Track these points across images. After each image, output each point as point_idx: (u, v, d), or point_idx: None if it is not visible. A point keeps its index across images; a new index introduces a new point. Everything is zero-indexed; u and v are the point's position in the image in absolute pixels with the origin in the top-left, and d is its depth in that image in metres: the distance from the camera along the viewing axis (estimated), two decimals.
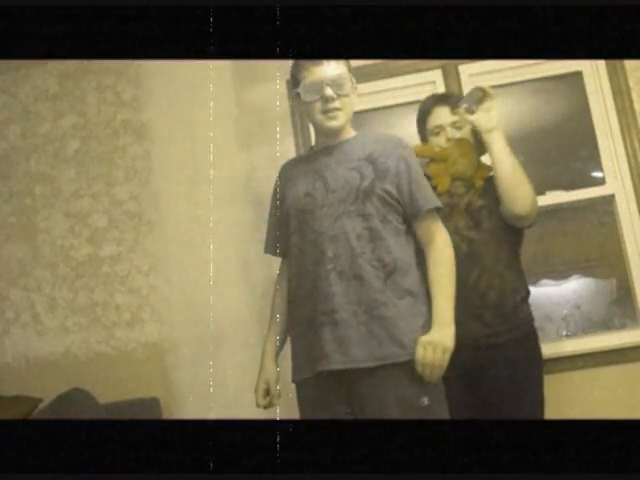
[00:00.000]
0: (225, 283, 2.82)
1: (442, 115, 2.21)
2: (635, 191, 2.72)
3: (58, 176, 3.00)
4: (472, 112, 2.11)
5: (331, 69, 1.88)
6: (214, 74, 2.93)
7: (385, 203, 1.87)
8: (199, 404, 2.75)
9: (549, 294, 6.19)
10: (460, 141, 2.17)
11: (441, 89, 2.84)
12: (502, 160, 2.07)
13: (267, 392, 1.97)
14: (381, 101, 2.93)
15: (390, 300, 1.81)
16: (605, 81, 2.81)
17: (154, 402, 2.70)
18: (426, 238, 1.91)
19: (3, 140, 3.06)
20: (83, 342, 2.88)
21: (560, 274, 6.08)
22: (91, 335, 2.88)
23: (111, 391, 2.70)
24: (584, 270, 6.05)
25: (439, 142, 2.19)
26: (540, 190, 3.11)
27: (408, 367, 1.78)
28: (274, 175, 2.11)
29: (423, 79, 2.90)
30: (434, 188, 2.03)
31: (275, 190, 2.08)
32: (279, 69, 2.64)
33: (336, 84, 1.88)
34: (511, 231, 2.14)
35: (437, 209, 1.92)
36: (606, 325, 5.82)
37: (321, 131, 1.97)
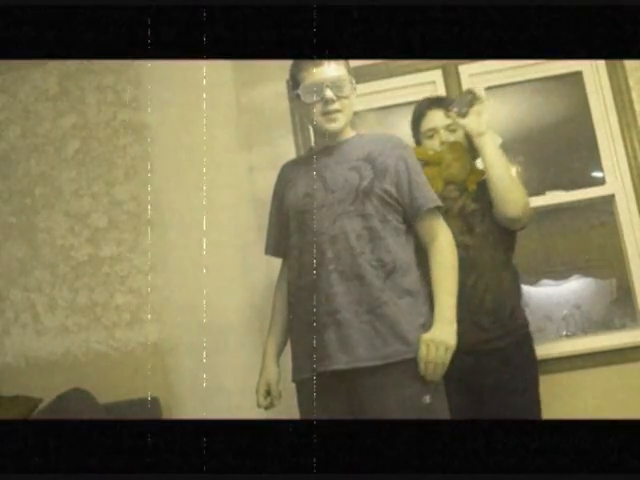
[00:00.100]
0: (225, 283, 2.82)
1: (436, 118, 2.21)
2: (635, 191, 2.72)
3: (58, 176, 3.00)
4: (463, 115, 2.11)
5: (331, 70, 1.88)
6: (214, 74, 2.93)
7: (384, 203, 1.87)
8: (199, 404, 2.74)
9: (549, 294, 6.19)
10: (454, 144, 2.17)
11: (441, 89, 2.84)
12: (494, 163, 2.07)
13: (268, 393, 1.97)
14: (381, 101, 2.93)
15: (391, 299, 1.81)
16: (605, 81, 2.81)
17: (154, 402, 2.70)
18: (428, 237, 1.92)
19: (3, 140, 3.06)
20: (83, 342, 2.88)
21: (560, 274, 6.09)
22: (91, 335, 2.88)
23: (111, 391, 2.70)
24: (584, 270, 6.05)
25: (433, 145, 2.19)
26: (540, 190, 3.12)
27: (410, 365, 1.78)
28: (274, 175, 2.11)
29: (423, 79, 2.89)
30: None
31: (275, 191, 2.08)
32: (279, 69, 2.64)
33: (336, 86, 1.88)
34: (504, 234, 2.15)
35: (438, 208, 1.93)
36: (606, 325, 5.83)
37: (321, 133, 1.97)
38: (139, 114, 2.99)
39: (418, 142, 2.26)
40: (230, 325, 2.80)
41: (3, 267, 2.97)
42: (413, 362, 1.78)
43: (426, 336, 1.79)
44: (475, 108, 2.11)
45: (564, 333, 5.84)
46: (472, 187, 2.14)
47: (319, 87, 1.88)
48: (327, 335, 1.81)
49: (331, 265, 1.83)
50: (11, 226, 2.99)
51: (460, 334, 1.83)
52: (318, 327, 1.83)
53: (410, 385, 1.78)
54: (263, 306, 2.69)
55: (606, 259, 5.70)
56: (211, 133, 2.91)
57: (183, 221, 2.89)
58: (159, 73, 2.97)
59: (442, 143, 2.17)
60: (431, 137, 2.20)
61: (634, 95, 2.76)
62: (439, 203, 1.92)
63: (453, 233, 2.02)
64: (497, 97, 3.46)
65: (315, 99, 1.89)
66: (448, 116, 2.17)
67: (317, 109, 1.90)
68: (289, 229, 1.96)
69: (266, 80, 2.87)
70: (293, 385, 1.97)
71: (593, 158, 2.93)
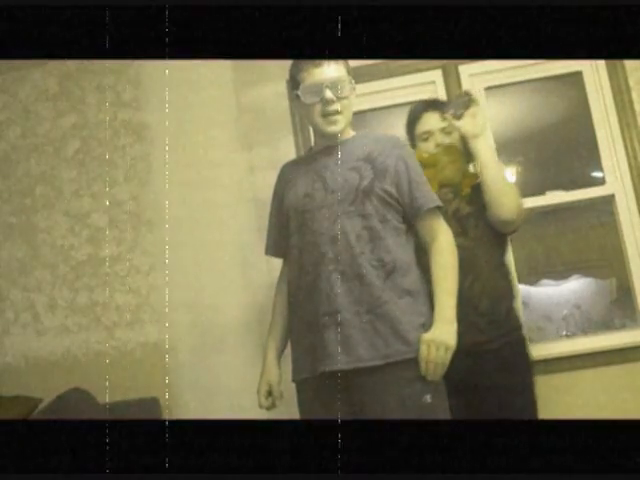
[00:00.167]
0: (225, 283, 2.82)
1: (431, 121, 2.21)
2: (635, 191, 2.72)
3: (58, 176, 3.00)
4: (458, 117, 2.12)
5: (331, 71, 1.88)
6: (214, 74, 2.93)
7: (384, 203, 1.87)
8: (199, 404, 2.75)
9: (549, 294, 6.20)
10: (449, 147, 2.17)
11: (441, 89, 2.84)
12: (488, 165, 2.08)
13: (269, 393, 1.98)
14: (381, 101, 2.93)
15: (391, 299, 1.81)
16: (605, 81, 2.80)
17: (154, 402, 2.70)
18: (429, 237, 1.92)
19: (3, 140, 3.06)
20: (83, 342, 2.88)
21: (560, 274, 6.09)
22: (91, 335, 2.88)
23: (111, 391, 2.70)
24: (584, 270, 6.05)
25: (428, 148, 2.19)
26: (540, 190, 3.12)
27: (411, 365, 1.78)
28: (274, 176, 2.11)
29: (423, 79, 2.89)
30: None
31: (275, 191, 2.08)
32: (279, 69, 2.64)
33: (336, 87, 1.88)
34: (497, 237, 2.16)
35: (438, 208, 1.93)
36: (606, 325, 5.83)
37: (321, 134, 1.97)
38: (139, 114, 2.99)
39: (413, 145, 2.26)
40: (230, 325, 2.80)
41: (3, 267, 2.97)
42: (413, 362, 1.78)
43: (426, 336, 1.79)
44: (470, 110, 2.11)
45: (564, 333, 5.84)
46: (466, 190, 2.15)
47: (319, 88, 1.88)
48: (327, 335, 1.81)
49: (331, 265, 1.83)
50: (11, 226, 2.99)
51: (457, 335, 1.83)
52: (318, 327, 1.83)
53: (410, 385, 1.78)
54: (263, 306, 2.69)
55: (606, 259, 5.71)
56: (211, 133, 2.92)
57: (183, 221, 2.89)
58: (159, 73, 2.97)
59: (437, 146, 2.18)
60: (426, 140, 2.20)
61: (634, 95, 2.76)
62: (439, 203, 1.92)
63: None
64: (497, 97, 3.46)
65: (315, 100, 1.89)
66: (444, 118, 2.17)
67: (317, 110, 1.90)
68: (289, 229, 1.96)
69: (266, 80, 2.87)
70: (293, 385, 1.97)
71: (593, 158, 2.93)
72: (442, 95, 2.82)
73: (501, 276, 2.15)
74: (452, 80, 2.85)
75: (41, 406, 2.60)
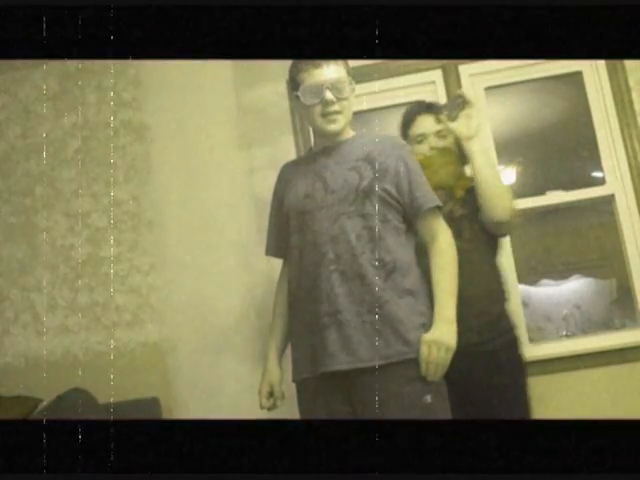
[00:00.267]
0: (225, 283, 2.82)
1: (426, 124, 2.22)
2: (635, 191, 2.72)
3: (58, 176, 3.00)
4: (453, 119, 2.12)
5: (330, 72, 1.88)
6: (214, 74, 2.93)
7: (384, 203, 1.87)
8: (199, 404, 2.75)
9: (549, 294, 6.20)
10: (443, 150, 2.18)
11: (441, 89, 2.84)
12: (482, 167, 2.08)
13: (271, 394, 1.98)
14: (381, 101, 2.93)
15: (392, 299, 1.81)
16: (605, 81, 2.81)
17: (154, 402, 2.70)
18: (428, 236, 1.92)
19: (3, 140, 3.06)
20: (83, 342, 2.88)
21: (560, 274, 6.09)
22: (91, 335, 2.88)
23: (111, 391, 2.70)
24: (584, 270, 6.05)
25: (422, 150, 2.19)
26: (540, 190, 3.12)
27: (412, 365, 1.78)
28: (274, 175, 2.11)
29: (423, 79, 2.89)
30: None
31: (275, 191, 2.08)
32: (279, 69, 2.64)
33: (336, 87, 1.88)
34: (490, 239, 2.17)
35: (438, 207, 1.93)
36: (606, 325, 5.84)
37: (321, 134, 1.98)
38: (139, 114, 2.99)
39: None
40: (230, 325, 2.80)
41: (3, 267, 2.97)
42: (414, 362, 1.78)
43: (427, 337, 1.79)
44: (465, 112, 2.12)
45: (564, 333, 5.84)
46: (460, 193, 2.15)
47: (319, 89, 1.87)
48: (328, 335, 1.81)
49: (332, 265, 1.83)
50: (11, 226, 2.99)
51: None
52: (319, 327, 1.83)
53: (411, 385, 1.78)
54: (263, 306, 2.69)
55: (606, 259, 5.71)
56: (211, 133, 2.92)
57: (183, 221, 2.89)
58: (159, 73, 2.97)
59: (431, 149, 2.18)
60: (420, 142, 2.20)
61: (634, 95, 2.76)
62: (439, 203, 1.93)
63: None
64: (497, 97, 3.46)
65: (315, 101, 1.89)
66: (438, 121, 2.18)
67: (317, 110, 1.90)
68: (289, 230, 1.96)
69: (266, 80, 2.87)
70: (293, 385, 1.97)
71: (593, 158, 2.93)
72: (442, 95, 2.82)
73: (493, 278, 2.16)
74: (452, 80, 2.85)
75: (41, 406, 2.60)
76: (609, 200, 2.81)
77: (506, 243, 2.77)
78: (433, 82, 2.88)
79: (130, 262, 2.91)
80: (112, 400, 2.64)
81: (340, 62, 1.91)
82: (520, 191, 4.48)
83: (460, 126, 2.11)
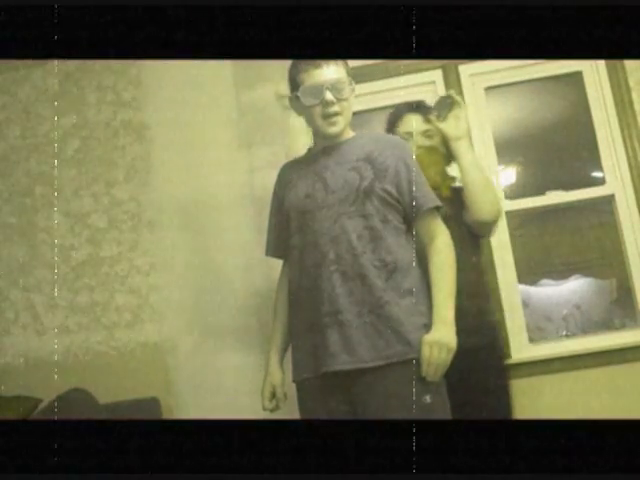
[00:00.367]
0: (225, 283, 2.82)
1: (413, 122, 2.23)
2: (635, 191, 2.72)
3: (58, 176, 3.00)
4: (442, 120, 2.14)
5: (330, 72, 1.88)
6: (214, 74, 2.93)
7: (385, 203, 1.87)
8: (199, 404, 2.74)
9: (549, 294, 6.20)
10: (430, 149, 2.19)
11: (441, 89, 2.84)
12: (470, 168, 2.11)
13: (273, 395, 1.98)
14: (381, 101, 2.93)
15: (393, 299, 1.81)
16: (605, 81, 2.81)
17: (154, 402, 2.70)
18: (427, 237, 1.92)
19: (3, 140, 3.06)
20: (83, 342, 2.88)
21: (560, 274, 6.09)
22: (91, 335, 2.88)
23: (111, 391, 2.70)
24: (584, 270, 6.06)
25: None
26: (540, 190, 3.12)
27: (412, 365, 1.78)
28: (274, 175, 2.11)
29: (423, 79, 2.90)
30: None
31: (275, 191, 2.08)
32: (279, 69, 2.64)
33: (335, 88, 1.87)
34: (474, 238, 2.19)
35: (437, 208, 1.93)
36: (606, 325, 5.83)
37: (321, 136, 1.97)
38: (139, 114, 2.99)
39: None
40: (230, 325, 2.79)
41: (3, 267, 2.97)
42: (414, 362, 1.78)
43: (429, 337, 1.79)
44: (454, 112, 2.14)
45: (564, 333, 5.84)
46: (446, 192, 2.15)
47: (319, 89, 1.87)
48: (329, 335, 1.81)
49: (332, 266, 1.83)
50: (11, 226, 2.99)
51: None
52: (320, 328, 1.83)
53: (411, 385, 1.78)
54: (263, 306, 2.69)
55: (606, 259, 5.71)
56: (211, 133, 2.91)
57: (183, 221, 2.89)
58: (159, 73, 2.97)
59: (418, 147, 2.18)
60: (407, 141, 2.21)
61: (634, 95, 2.77)
62: (439, 203, 1.92)
63: None
64: (497, 97, 3.46)
65: (315, 102, 1.89)
66: (427, 120, 2.20)
67: (317, 111, 1.90)
68: (290, 230, 1.96)
69: (266, 80, 2.87)
70: (293, 385, 1.97)
71: (593, 158, 2.93)
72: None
73: (476, 277, 2.17)
74: (452, 80, 2.86)
75: (41, 406, 2.60)
76: (609, 200, 2.81)
77: (506, 243, 2.78)
78: (433, 82, 2.89)
79: (130, 262, 2.91)
80: (112, 400, 2.64)
81: (340, 62, 1.91)
82: (520, 191, 4.49)
83: (449, 127, 2.14)
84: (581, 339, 2.91)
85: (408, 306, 1.83)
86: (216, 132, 2.91)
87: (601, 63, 2.81)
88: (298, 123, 2.29)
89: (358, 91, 2.00)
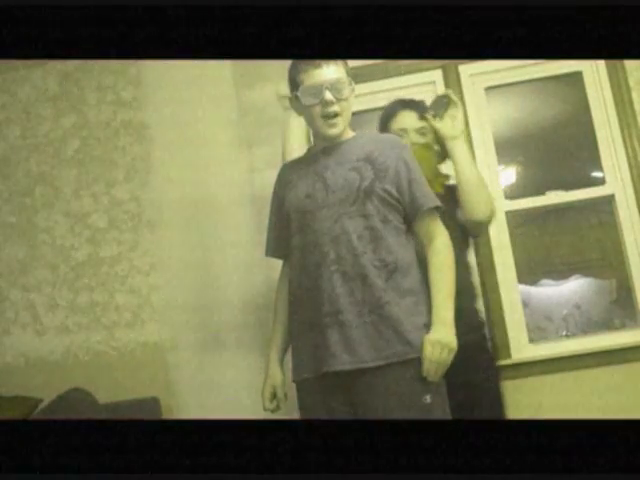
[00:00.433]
0: (225, 283, 2.82)
1: (407, 120, 2.24)
2: (635, 191, 2.72)
3: (58, 176, 3.00)
4: (439, 119, 2.16)
5: (330, 72, 1.88)
6: (214, 74, 2.93)
7: (385, 203, 1.87)
8: (199, 404, 2.75)
9: (549, 294, 6.20)
10: (423, 147, 2.20)
11: (441, 89, 2.84)
12: (465, 167, 2.13)
13: (274, 396, 1.98)
14: (381, 101, 2.92)
15: (393, 299, 1.81)
16: (605, 81, 2.81)
17: (154, 402, 2.70)
18: (426, 237, 1.92)
19: (3, 140, 3.06)
20: (83, 342, 2.88)
21: (560, 274, 6.09)
22: (91, 335, 2.88)
23: (111, 391, 2.70)
24: (584, 270, 6.06)
25: None
26: (540, 190, 3.13)
27: (412, 365, 1.78)
28: (274, 175, 2.11)
29: (423, 79, 2.90)
30: None
31: (275, 191, 2.08)
32: (279, 69, 2.64)
33: (335, 88, 1.87)
34: (464, 237, 2.21)
35: (437, 208, 1.93)
36: (606, 325, 5.84)
37: (321, 137, 1.97)
38: (139, 114, 2.99)
39: None
40: (230, 325, 2.80)
41: (3, 267, 2.97)
42: (414, 362, 1.78)
43: (431, 337, 1.79)
44: (450, 111, 2.16)
45: (564, 333, 5.85)
46: (438, 190, 2.16)
47: (318, 89, 1.87)
48: (330, 336, 1.81)
49: (333, 266, 1.83)
50: (11, 226, 2.99)
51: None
52: (320, 327, 1.83)
53: (411, 385, 1.78)
54: (263, 306, 2.69)
55: (606, 259, 5.72)
56: (211, 133, 2.92)
57: (183, 221, 2.89)
58: (159, 73, 2.97)
59: (412, 144, 2.18)
60: (400, 137, 2.21)
61: (634, 95, 2.77)
62: (438, 203, 1.92)
63: None
64: (497, 97, 3.46)
65: (315, 102, 1.89)
66: (422, 118, 2.21)
67: (316, 111, 1.90)
68: (290, 230, 1.96)
69: (266, 80, 2.87)
70: (293, 385, 1.97)
71: (593, 158, 2.93)
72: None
73: (465, 275, 2.18)
74: (452, 80, 2.86)
75: (41, 406, 2.60)
76: (609, 200, 2.81)
77: (506, 243, 2.78)
78: (433, 82, 2.89)
79: (130, 262, 2.91)
80: (112, 400, 2.65)
81: (340, 62, 1.91)
82: (520, 191, 4.48)
83: (445, 126, 2.16)
84: (581, 339, 2.91)
85: (408, 306, 1.83)
86: (216, 132, 2.91)
87: (601, 63, 2.81)
88: (295, 124, 2.29)
89: (358, 91, 2.00)
